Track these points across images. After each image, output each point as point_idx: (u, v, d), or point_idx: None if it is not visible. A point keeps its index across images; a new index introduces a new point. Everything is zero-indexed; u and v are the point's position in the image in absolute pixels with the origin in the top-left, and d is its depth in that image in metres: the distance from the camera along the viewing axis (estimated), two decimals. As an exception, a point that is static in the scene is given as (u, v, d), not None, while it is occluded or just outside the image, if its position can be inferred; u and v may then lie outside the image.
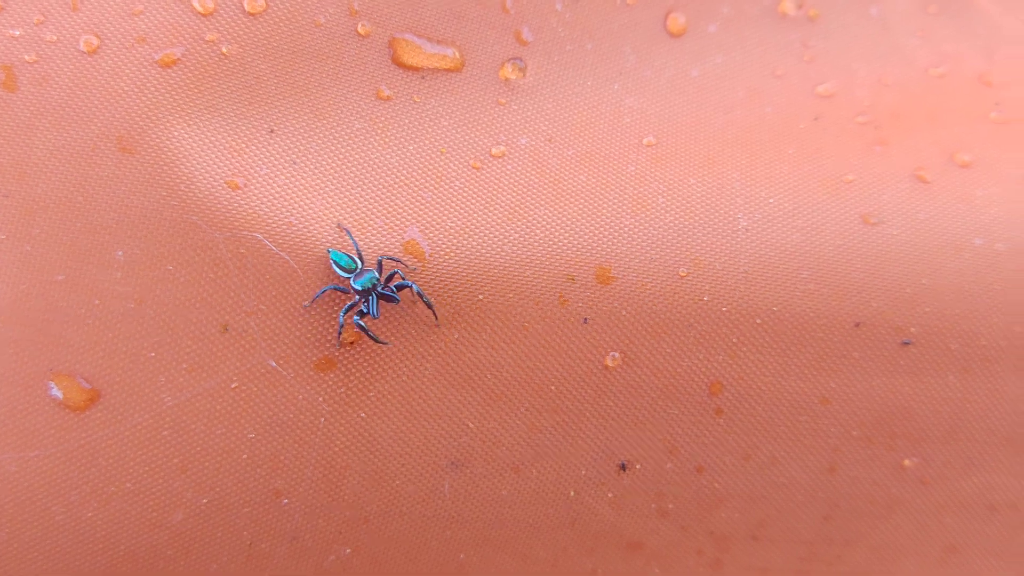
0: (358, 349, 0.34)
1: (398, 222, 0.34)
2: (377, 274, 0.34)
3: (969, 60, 0.42)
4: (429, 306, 0.34)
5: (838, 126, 0.39)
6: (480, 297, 0.34)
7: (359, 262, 0.34)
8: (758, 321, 0.35)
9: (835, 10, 0.42)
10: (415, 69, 0.36)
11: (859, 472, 0.38)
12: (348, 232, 0.34)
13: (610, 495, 0.37)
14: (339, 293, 0.34)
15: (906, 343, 0.36)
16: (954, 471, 0.38)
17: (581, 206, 0.35)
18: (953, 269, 0.36)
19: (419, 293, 0.34)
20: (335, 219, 0.34)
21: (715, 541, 0.39)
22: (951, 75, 0.42)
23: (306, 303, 0.34)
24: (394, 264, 0.34)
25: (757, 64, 0.40)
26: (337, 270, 0.34)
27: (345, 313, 0.34)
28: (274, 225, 0.33)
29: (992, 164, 0.38)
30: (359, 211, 0.34)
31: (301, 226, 0.33)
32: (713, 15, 0.40)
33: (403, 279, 0.34)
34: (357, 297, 0.34)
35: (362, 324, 0.34)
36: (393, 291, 0.34)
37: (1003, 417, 0.37)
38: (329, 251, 0.34)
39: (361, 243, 0.34)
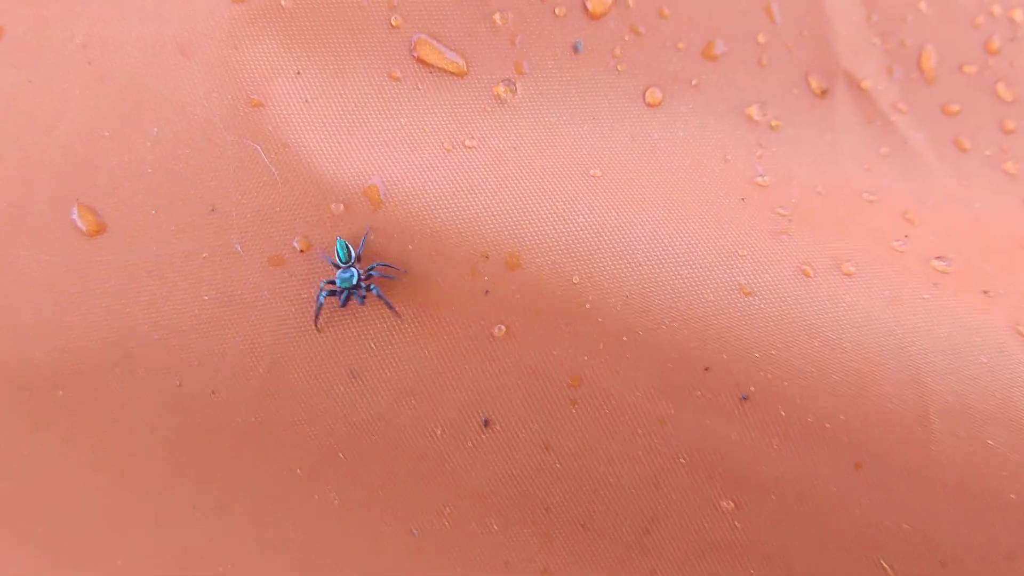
0: (306, 258, 0.43)
1: (368, 168, 0.43)
2: (358, 276, 0.42)
3: (901, 197, 0.49)
4: (389, 307, 0.43)
5: (758, 210, 0.46)
6: (409, 247, 0.42)
7: (352, 259, 0.42)
8: (624, 338, 0.42)
9: (795, 126, 0.49)
10: (427, 64, 0.45)
11: (680, 496, 0.44)
12: (368, 231, 0.42)
13: (469, 444, 0.44)
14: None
15: (744, 398, 0.42)
16: (762, 525, 0.44)
17: (516, 203, 0.43)
18: (802, 351, 0.42)
19: (379, 296, 0.42)
20: (328, 149, 0.42)
21: (550, 516, 0.45)
22: (880, 203, 0.48)
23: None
24: (384, 270, 0.42)
25: (712, 146, 0.47)
26: (334, 258, 0.42)
27: (324, 295, 0.42)
28: (272, 141, 0.42)
29: (871, 280, 0.44)
30: (341, 149, 0.43)
31: (296, 147, 0.42)
32: (688, 100, 0.48)
33: (371, 284, 0.42)
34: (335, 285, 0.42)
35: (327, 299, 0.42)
36: (362, 293, 0.42)
37: (810, 490, 0.43)
38: (338, 239, 0.42)
39: (331, 173, 0.42)
